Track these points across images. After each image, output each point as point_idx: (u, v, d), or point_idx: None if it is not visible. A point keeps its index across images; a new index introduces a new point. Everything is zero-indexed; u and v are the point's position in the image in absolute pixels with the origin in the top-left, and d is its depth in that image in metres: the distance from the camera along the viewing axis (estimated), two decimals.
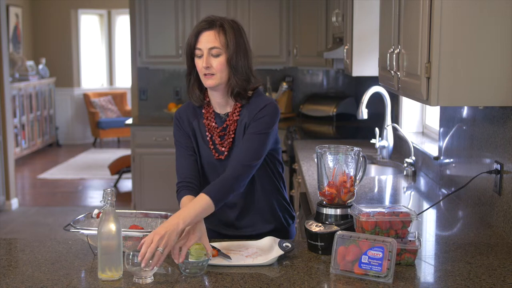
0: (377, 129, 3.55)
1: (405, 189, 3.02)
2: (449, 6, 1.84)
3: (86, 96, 9.97)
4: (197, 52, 2.06)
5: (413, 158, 3.20)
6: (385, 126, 3.55)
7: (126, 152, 8.42)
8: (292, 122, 5.48)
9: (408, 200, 2.84)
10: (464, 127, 2.55)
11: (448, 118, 2.79)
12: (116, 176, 7.28)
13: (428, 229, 2.34)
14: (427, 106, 3.51)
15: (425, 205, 2.70)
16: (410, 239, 1.84)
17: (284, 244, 1.91)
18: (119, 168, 7.05)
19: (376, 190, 2.92)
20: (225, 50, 2.04)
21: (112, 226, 1.73)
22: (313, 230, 1.93)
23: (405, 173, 3.20)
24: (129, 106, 10.19)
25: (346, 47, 3.68)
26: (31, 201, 6.70)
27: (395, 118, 3.84)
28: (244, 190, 2.14)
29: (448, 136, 2.77)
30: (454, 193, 2.53)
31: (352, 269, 1.73)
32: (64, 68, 10.07)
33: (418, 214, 1.92)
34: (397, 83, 2.28)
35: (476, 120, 2.42)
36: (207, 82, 2.07)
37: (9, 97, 6.22)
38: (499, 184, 2.16)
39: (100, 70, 10.57)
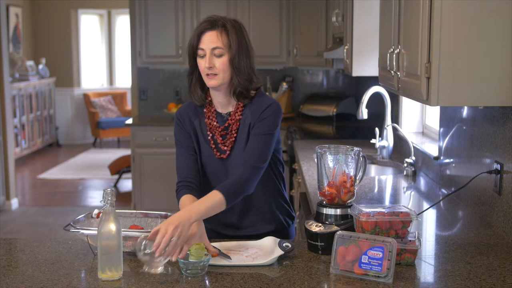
0: (377, 129, 3.55)
1: (405, 189, 3.02)
2: (449, 6, 1.84)
3: (86, 96, 9.97)
4: (200, 52, 2.06)
5: (413, 158, 3.20)
6: (385, 126, 3.55)
7: (126, 152, 8.42)
8: (292, 122, 5.48)
9: (408, 200, 2.84)
10: (464, 127, 2.55)
11: (448, 118, 2.79)
12: (116, 176, 7.28)
13: (428, 229, 2.34)
14: (427, 106, 3.51)
15: (425, 205, 2.70)
16: (410, 239, 1.84)
17: (284, 244, 1.91)
18: (119, 168, 7.05)
19: (376, 190, 2.92)
20: (228, 50, 2.05)
21: (112, 226, 1.73)
22: (313, 230, 1.93)
23: (405, 173, 3.20)
24: (129, 106, 10.20)
25: (346, 47, 3.68)
26: (31, 201, 6.70)
27: (395, 118, 3.84)
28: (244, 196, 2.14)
29: (448, 136, 2.77)
30: (454, 193, 2.53)
31: (352, 269, 1.73)
32: (64, 68, 10.07)
33: (418, 214, 1.92)
34: (397, 83, 2.28)
35: (476, 120, 2.42)
36: (210, 82, 2.08)
37: (9, 97, 6.22)
38: (499, 184, 2.16)
39: (100, 70, 10.57)
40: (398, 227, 1.84)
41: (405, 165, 3.20)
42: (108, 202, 1.73)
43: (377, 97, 3.55)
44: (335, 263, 1.76)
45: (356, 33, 3.50)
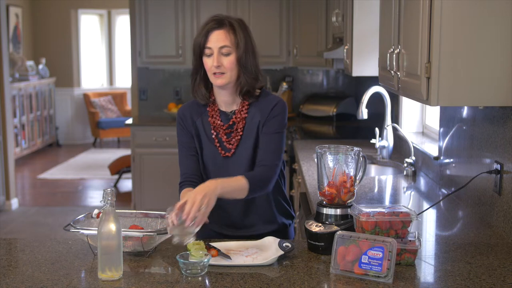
0: (377, 129, 3.55)
1: (405, 189, 3.02)
2: (449, 6, 1.84)
3: (86, 96, 9.97)
4: (207, 51, 2.07)
5: (413, 158, 3.20)
6: (385, 126, 3.55)
7: (126, 152, 8.42)
8: (292, 122, 5.48)
9: (408, 200, 2.84)
10: (464, 127, 2.55)
11: (448, 118, 2.79)
12: (116, 176, 7.28)
13: (428, 229, 2.34)
14: (427, 106, 3.51)
15: (425, 205, 2.70)
16: (410, 239, 1.84)
17: (284, 244, 1.91)
18: (119, 168, 7.05)
19: (376, 190, 2.92)
20: (235, 49, 2.07)
21: (112, 226, 1.73)
22: (313, 230, 1.93)
23: (405, 173, 3.20)
24: (129, 106, 10.20)
25: (346, 47, 3.68)
26: (31, 201, 6.70)
27: (395, 118, 3.84)
28: None
29: (448, 136, 2.77)
30: (454, 193, 2.53)
31: (352, 269, 1.73)
32: (64, 68, 10.07)
33: (418, 214, 1.92)
34: (397, 83, 2.28)
35: (476, 120, 2.42)
36: (217, 81, 2.09)
37: (9, 97, 6.22)
38: (499, 184, 2.16)
39: (100, 70, 10.58)
40: (398, 227, 1.84)
41: (405, 165, 3.20)
42: (108, 202, 1.73)
43: (377, 97, 3.55)
44: (335, 263, 1.76)
45: (356, 33, 3.50)
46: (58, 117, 10.11)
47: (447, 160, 2.79)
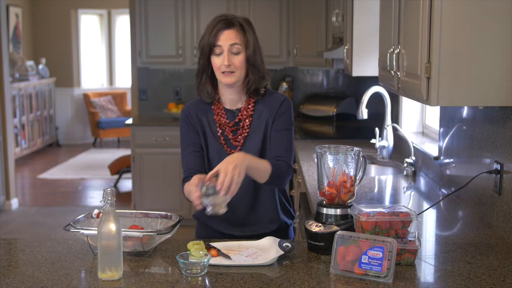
0: (377, 129, 3.55)
1: (405, 189, 3.02)
2: (449, 6, 1.84)
3: (86, 96, 9.97)
4: (216, 49, 2.09)
5: (413, 158, 3.20)
6: (385, 126, 3.55)
7: (126, 152, 8.42)
8: None
9: (408, 200, 2.84)
10: (464, 127, 2.55)
11: (448, 118, 2.79)
12: (116, 176, 7.28)
13: (428, 229, 2.34)
14: (427, 106, 3.51)
15: (425, 205, 2.70)
16: (410, 239, 1.84)
17: (284, 244, 1.91)
18: (119, 168, 7.05)
19: (376, 190, 2.92)
20: (245, 48, 2.10)
21: (112, 226, 1.73)
22: (313, 230, 1.93)
23: (405, 173, 3.20)
24: (129, 106, 10.20)
25: (346, 47, 3.68)
26: (31, 201, 6.70)
27: (395, 118, 3.84)
28: (253, 188, 2.18)
29: (448, 136, 2.77)
30: (454, 193, 2.53)
31: (352, 269, 1.73)
32: (64, 68, 10.08)
33: (418, 214, 1.92)
34: (397, 83, 2.28)
35: (476, 120, 2.42)
36: (227, 80, 2.11)
37: (9, 97, 6.22)
38: (499, 184, 2.16)
39: (100, 70, 10.58)
40: (398, 227, 1.84)
41: (405, 165, 3.20)
42: (108, 202, 1.73)
43: (377, 97, 3.55)
44: (335, 263, 1.76)
45: (356, 33, 3.50)
46: (58, 117, 10.11)
47: (447, 160, 2.79)
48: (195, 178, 1.92)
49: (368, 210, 1.87)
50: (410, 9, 2.09)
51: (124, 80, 10.50)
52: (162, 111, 5.95)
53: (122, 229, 1.81)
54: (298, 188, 3.72)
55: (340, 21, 4.07)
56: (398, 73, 2.24)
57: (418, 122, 3.83)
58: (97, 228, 1.78)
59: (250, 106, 2.18)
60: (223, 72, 2.10)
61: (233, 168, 1.87)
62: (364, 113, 3.49)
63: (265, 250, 1.96)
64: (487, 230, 2.20)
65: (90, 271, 1.81)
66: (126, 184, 7.18)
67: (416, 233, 1.88)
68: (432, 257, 1.94)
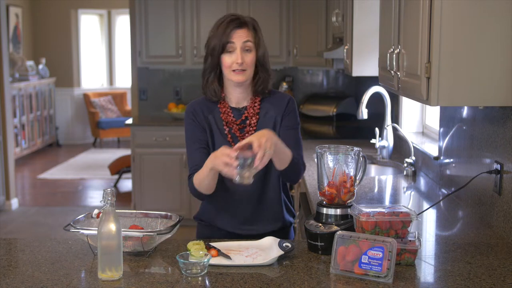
0: (377, 129, 3.55)
1: (405, 189, 3.02)
2: (449, 6, 1.84)
3: (86, 96, 9.97)
4: (230, 46, 2.11)
5: (413, 158, 3.20)
6: (385, 126, 3.55)
7: (126, 152, 8.42)
8: None
9: (408, 200, 2.84)
10: (464, 127, 2.55)
11: (448, 118, 2.79)
12: (116, 176, 7.28)
13: (428, 229, 2.34)
14: (427, 106, 3.51)
15: (425, 205, 2.70)
16: (410, 239, 1.84)
17: (284, 244, 1.91)
18: (119, 168, 7.05)
19: (376, 190, 2.92)
20: (256, 47, 2.14)
21: (112, 226, 1.73)
22: (313, 230, 1.93)
23: (405, 173, 3.20)
24: (129, 106, 10.20)
25: (346, 47, 3.68)
26: (31, 201, 6.70)
27: (395, 118, 3.84)
28: (261, 183, 2.20)
29: (448, 136, 2.77)
30: (454, 193, 2.53)
31: (352, 269, 1.73)
32: (64, 68, 10.07)
33: (418, 214, 1.92)
34: (397, 83, 2.28)
35: (476, 120, 2.42)
36: (238, 78, 2.13)
37: (9, 97, 6.22)
38: (499, 184, 2.16)
39: (100, 70, 10.58)
40: (398, 227, 1.84)
41: (405, 165, 3.20)
42: (108, 202, 1.73)
43: (377, 97, 3.55)
44: (335, 263, 1.76)
45: (356, 33, 3.50)
46: (58, 117, 10.11)
47: (447, 160, 2.79)
48: (224, 148, 1.93)
49: (368, 210, 1.87)
50: (410, 9, 2.09)
51: (124, 80, 10.50)
52: (162, 111, 5.95)
53: (122, 229, 1.81)
54: (298, 188, 3.72)
55: (340, 21, 4.07)
56: (398, 73, 2.24)
57: (418, 122, 3.83)
58: (97, 228, 1.78)
59: (256, 104, 2.20)
60: (233, 70, 2.12)
61: (266, 141, 1.89)
62: (364, 113, 3.49)
63: (265, 250, 1.96)
64: (487, 230, 2.20)
65: (90, 271, 1.81)
66: (126, 184, 7.18)
67: (416, 233, 1.88)
68: (432, 257, 1.94)
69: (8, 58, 6.26)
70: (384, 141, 3.55)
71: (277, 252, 1.89)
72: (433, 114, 3.59)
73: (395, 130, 3.60)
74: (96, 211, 2.00)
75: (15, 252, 2.01)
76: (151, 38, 5.70)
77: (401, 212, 1.86)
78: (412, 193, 2.98)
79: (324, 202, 1.99)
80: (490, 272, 1.76)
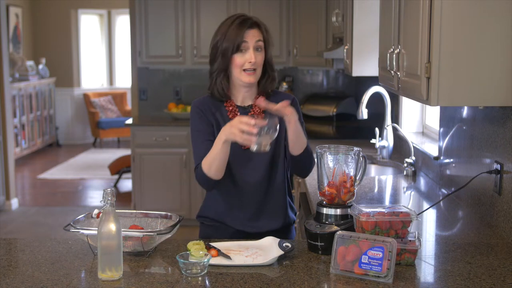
0: (377, 129, 3.55)
1: (405, 189, 3.02)
2: (449, 6, 1.84)
3: (86, 96, 9.97)
4: (244, 45, 2.13)
5: (413, 158, 3.20)
6: (385, 126, 3.55)
7: (126, 152, 8.42)
8: None
9: (408, 200, 2.84)
10: (464, 127, 2.55)
11: (448, 118, 2.79)
12: (116, 176, 7.28)
13: (428, 229, 2.34)
14: (427, 106, 3.51)
15: (425, 205, 2.70)
16: (410, 239, 1.84)
17: (284, 244, 1.91)
18: (119, 168, 7.05)
19: (376, 190, 2.92)
20: (266, 47, 2.18)
21: (112, 226, 1.73)
22: (313, 230, 1.93)
23: (405, 173, 3.20)
24: (129, 106, 10.20)
25: (346, 47, 3.68)
26: (31, 201, 6.70)
27: (395, 118, 3.84)
28: (268, 176, 2.22)
29: (448, 136, 2.77)
30: (454, 193, 2.53)
31: (352, 269, 1.73)
32: (64, 68, 10.07)
33: (418, 214, 1.92)
34: (397, 83, 2.28)
35: (476, 120, 2.42)
36: (249, 79, 2.16)
37: (9, 97, 6.22)
38: (499, 184, 2.16)
39: (100, 70, 10.57)
40: (398, 227, 1.84)
41: (405, 165, 3.20)
42: (108, 202, 1.73)
43: (377, 97, 3.55)
44: (335, 263, 1.76)
45: (356, 33, 3.50)
46: (58, 117, 10.11)
47: (447, 160, 2.79)
48: (240, 117, 1.96)
49: (368, 210, 1.87)
50: (410, 9, 2.09)
51: (124, 80, 10.50)
52: (162, 111, 5.95)
53: (122, 229, 1.81)
54: (298, 188, 3.72)
55: (340, 21, 4.07)
56: (398, 73, 2.24)
57: (418, 122, 3.83)
58: (97, 228, 1.78)
59: None
60: (244, 70, 2.14)
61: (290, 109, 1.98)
62: (364, 113, 3.49)
63: (265, 250, 1.96)
64: (487, 230, 2.20)
65: (90, 271, 1.81)
66: (126, 184, 7.18)
67: (416, 233, 1.88)
68: (432, 257, 1.94)
69: (8, 58, 6.26)
70: (384, 141, 3.55)
71: (277, 252, 1.89)
72: (433, 114, 3.59)
73: (395, 130, 3.60)
74: (96, 211, 2.00)
75: (15, 252, 2.01)
76: (151, 38, 5.70)
77: (401, 212, 1.86)
78: (412, 193, 2.98)
79: (324, 202, 1.99)
80: (490, 272, 1.76)
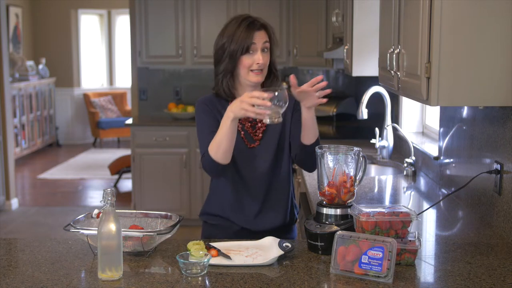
0: (377, 129, 3.55)
1: (405, 189, 3.02)
2: (449, 6, 1.84)
3: (86, 96, 9.97)
4: (253, 46, 2.16)
5: (413, 158, 3.20)
6: (385, 126, 3.55)
7: (126, 152, 8.42)
8: None
9: (408, 200, 2.84)
10: (464, 127, 2.55)
11: (448, 118, 2.79)
12: (116, 176, 7.28)
13: (428, 229, 2.34)
14: (427, 106, 3.51)
15: (425, 205, 2.70)
16: (410, 239, 1.84)
17: (284, 244, 1.91)
18: (119, 168, 7.05)
19: (376, 190, 2.92)
20: (272, 48, 2.22)
21: (112, 226, 1.73)
22: (313, 230, 1.93)
23: (405, 173, 3.20)
24: (129, 106, 10.20)
25: (346, 47, 3.68)
26: (31, 201, 6.70)
27: (395, 118, 3.84)
28: (271, 171, 2.24)
29: (448, 136, 2.77)
30: (454, 193, 2.53)
31: (352, 269, 1.73)
32: (64, 68, 10.07)
33: (418, 214, 1.92)
34: (397, 83, 2.28)
35: (476, 120, 2.42)
36: (257, 78, 2.19)
37: (9, 97, 6.22)
38: (499, 184, 2.16)
39: (100, 70, 10.57)
40: (398, 227, 1.84)
41: (405, 165, 3.20)
42: (108, 202, 1.73)
43: (377, 97, 3.55)
44: (335, 263, 1.76)
45: (356, 33, 3.50)
46: (58, 117, 10.11)
47: (447, 160, 2.79)
48: (248, 92, 1.98)
49: (368, 210, 1.87)
50: (410, 9, 2.09)
51: (124, 80, 10.50)
52: (162, 111, 5.95)
53: (122, 229, 1.81)
54: (298, 188, 3.72)
55: (340, 21, 4.07)
56: (398, 73, 2.24)
57: (418, 122, 3.83)
58: (97, 228, 1.78)
59: None
60: (251, 71, 2.17)
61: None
62: (364, 113, 3.49)
63: (265, 250, 1.96)
64: (487, 230, 2.20)
65: (90, 271, 1.81)
66: (126, 184, 7.18)
67: (416, 233, 1.88)
68: (432, 257, 1.94)
69: (8, 58, 6.26)
70: (384, 141, 3.55)
71: (277, 252, 1.89)
72: (433, 114, 3.59)
73: (395, 130, 3.60)
74: (96, 211, 2.00)
75: (15, 252, 2.01)
76: (151, 38, 5.70)
77: (401, 212, 1.86)
78: (412, 193, 2.98)
79: (324, 202, 1.99)
80: (490, 272, 1.76)
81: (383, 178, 3.24)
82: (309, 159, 2.21)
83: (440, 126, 2.91)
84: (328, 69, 5.75)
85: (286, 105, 1.96)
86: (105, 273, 1.73)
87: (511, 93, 1.87)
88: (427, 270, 1.83)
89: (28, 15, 9.83)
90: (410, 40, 2.08)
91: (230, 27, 2.18)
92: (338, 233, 1.80)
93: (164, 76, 6.10)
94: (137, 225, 2.03)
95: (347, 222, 1.94)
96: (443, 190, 2.80)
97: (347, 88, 5.94)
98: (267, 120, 1.95)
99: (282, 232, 2.28)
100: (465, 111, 2.55)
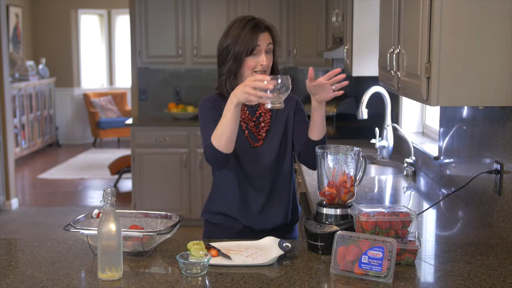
0: (377, 129, 3.55)
1: (405, 189, 3.02)
2: (449, 6, 1.84)
3: (86, 96, 9.97)
4: (258, 48, 2.18)
5: (413, 158, 3.20)
6: (385, 126, 3.55)
7: (126, 152, 8.42)
8: None
9: (408, 200, 2.84)
10: (464, 127, 2.55)
11: (448, 118, 2.79)
12: (116, 176, 7.28)
13: (428, 229, 2.34)
14: (427, 106, 3.51)
15: (425, 205, 2.70)
16: (410, 239, 1.84)
17: (284, 244, 1.91)
18: (119, 168, 7.05)
19: (376, 190, 2.92)
20: (275, 49, 2.26)
21: (112, 226, 1.73)
22: (313, 230, 1.93)
23: (405, 173, 3.20)
24: (129, 106, 10.20)
25: (346, 47, 3.68)
26: (31, 201, 6.70)
27: (395, 118, 3.84)
28: (274, 169, 2.26)
29: (448, 136, 2.77)
30: (454, 193, 2.53)
31: (352, 269, 1.73)
32: (64, 68, 10.08)
33: (418, 214, 1.92)
34: (397, 83, 2.28)
35: (476, 120, 2.42)
36: None
37: (9, 97, 6.22)
38: (499, 184, 2.16)
39: (100, 70, 10.58)
40: (398, 227, 1.84)
41: (405, 165, 3.20)
42: (108, 202, 1.73)
43: (377, 97, 3.55)
44: (335, 263, 1.76)
45: (356, 33, 3.50)
46: (58, 117, 10.11)
47: (447, 160, 2.79)
48: (251, 77, 2.01)
49: (368, 210, 1.87)
50: (410, 9, 2.09)
51: (124, 80, 10.50)
52: (162, 111, 5.95)
53: (122, 229, 1.81)
54: (298, 188, 3.72)
55: (340, 21, 4.07)
56: (398, 73, 2.24)
57: (418, 122, 3.83)
58: (97, 228, 1.78)
59: None
60: (255, 71, 2.19)
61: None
62: (364, 113, 3.49)
63: (265, 250, 1.96)
64: (487, 230, 2.20)
65: (90, 271, 1.81)
66: (126, 184, 7.18)
67: (416, 233, 1.88)
68: (432, 257, 1.94)
69: (8, 58, 6.26)
70: (384, 141, 3.55)
71: (277, 252, 1.89)
72: (433, 114, 3.59)
73: (395, 130, 3.60)
74: (96, 211, 2.00)
75: (15, 252, 2.01)
76: (151, 38, 5.70)
77: (401, 212, 1.86)
78: (412, 193, 2.98)
79: (324, 202, 1.99)
80: (490, 272, 1.76)
81: (383, 178, 3.24)
82: (315, 156, 2.22)
83: (440, 126, 2.91)
84: (328, 69, 5.74)
85: (289, 91, 1.98)
86: (105, 273, 1.73)
87: (511, 93, 1.87)
88: (427, 270, 1.83)
89: (28, 15, 9.84)
90: (410, 40, 2.08)
91: (234, 29, 2.19)
92: (338, 233, 1.80)
93: (164, 76, 6.10)
94: (137, 225, 2.03)
95: (347, 222, 1.94)
96: (443, 190, 2.80)
97: (347, 88, 5.92)
98: (268, 105, 1.97)
99: (283, 231, 2.29)
100: (465, 111, 2.55)
